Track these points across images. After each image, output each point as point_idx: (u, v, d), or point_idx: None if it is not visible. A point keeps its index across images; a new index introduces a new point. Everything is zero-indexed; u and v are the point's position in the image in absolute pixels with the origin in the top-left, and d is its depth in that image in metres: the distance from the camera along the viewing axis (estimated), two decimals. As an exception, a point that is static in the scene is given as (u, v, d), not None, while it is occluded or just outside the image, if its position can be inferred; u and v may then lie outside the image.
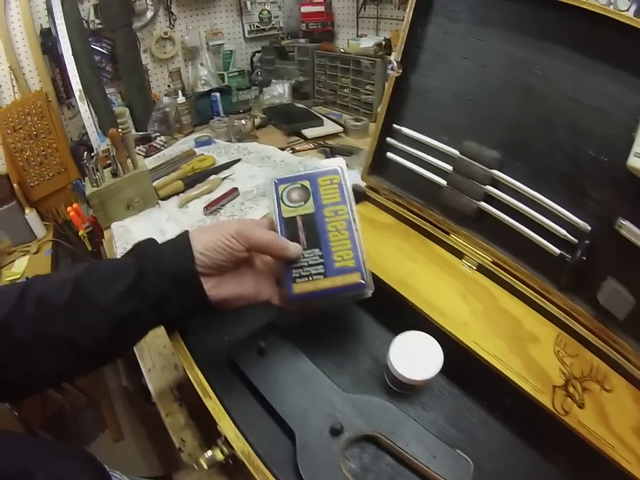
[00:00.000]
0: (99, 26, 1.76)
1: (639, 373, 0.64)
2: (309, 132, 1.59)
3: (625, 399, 0.65)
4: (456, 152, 0.78)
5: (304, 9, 2.01)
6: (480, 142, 0.76)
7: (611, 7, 1.15)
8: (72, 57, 1.62)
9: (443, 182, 0.80)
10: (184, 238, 0.53)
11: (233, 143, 1.53)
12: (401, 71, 0.83)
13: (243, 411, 0.57)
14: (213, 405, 0.52)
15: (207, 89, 1.87)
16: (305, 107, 1.81)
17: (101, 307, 0.48)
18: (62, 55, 1.62)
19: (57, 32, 1.61)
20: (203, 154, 1.42)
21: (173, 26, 1.93)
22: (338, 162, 0.65)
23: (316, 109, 1.86)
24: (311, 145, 1.52)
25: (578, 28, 0.63)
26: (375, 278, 0.70)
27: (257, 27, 2.12)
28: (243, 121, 1.53)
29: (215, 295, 0.53)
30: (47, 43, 1.67)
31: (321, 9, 1.96)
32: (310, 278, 0.56)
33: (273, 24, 2.14)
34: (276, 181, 0.62)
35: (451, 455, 0.55)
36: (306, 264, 0.57)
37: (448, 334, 0.65)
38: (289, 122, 1.64)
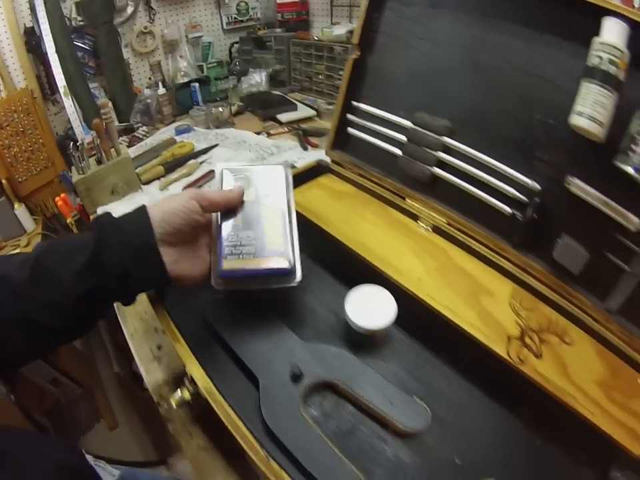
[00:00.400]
0: (81, 23, 1.79)
1: (600, 328, 0.67)
2: (284, 116, 1.65)
3: (587, 353, 0.67)
4: (409, 123, 0.83)
5: (280, 0, 2.06)
6: (432, 113, 0.81)
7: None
8: (56, 54, 1.66)
9: (399, 152, 0.85)
10: (142, 209, 0.54)
11: (211, 130, 1.59)
12: (359, 53, 0.88)
13: (212, 361, 0.60)
14: (182, 349, 0.57)
15: (186, 80, 1.92)
16: (280, 93, 1.87)
17: (62, 282, 0.47)
18: (46, 53, 1.66)
19: (40, 30, 1.65)
20: (182, 141, 1.48)
21: (153, 20, 1.96)
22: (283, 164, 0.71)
23: (292, 95, 1.91)
24: (285, 128, 1.59)
25: (525, 3, 0.68)
26: (334, 240, 0.76)
27: (235, 18, 2.16)
28: (220, 109, 1.59)
29: (172, 270, 0.53)
30: (31, 41, 1.69)
31: (293, -2, 2.01)
32: (240, 256, 0.59)
33: (251, 15, 2.17)
34: (224, 170, 0.67)
35: (408, 402, 0.58)
36: (239, 243, 0.60)
37: (402, 288, 0.68)
38: (264, 108, 1.69)
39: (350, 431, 0.58)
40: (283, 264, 0.60)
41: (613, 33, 0.63)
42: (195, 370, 0.55)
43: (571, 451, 0.60)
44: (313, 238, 0.77)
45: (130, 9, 1.89)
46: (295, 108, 1.71)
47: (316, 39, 1.88)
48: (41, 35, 1.65)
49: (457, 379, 0.66)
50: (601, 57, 0.62)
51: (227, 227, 0.61)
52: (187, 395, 0.59)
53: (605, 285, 0.66)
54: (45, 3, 1.64)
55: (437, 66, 0.80)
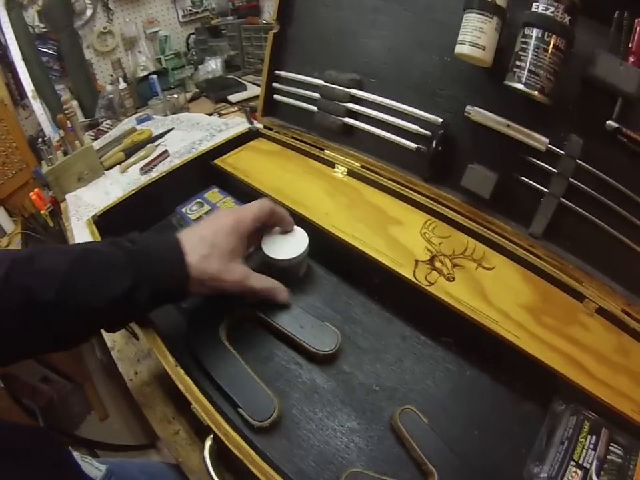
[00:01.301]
0: (44, 29, 1.90)
1: (525, 253, 0.69)
2: (234, 97, 1.77)
3: (511, 277, 0.68)
4: (321, 82, 0.92)
5: None
6: (341, 70, 0.90)
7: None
8: (22, 61, 1.77)
9: (315, 108, 0.95)
10: (175, 247, 0.54)
11: (169, 116, 1.68)
12: (279, 27, 0.98)
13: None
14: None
15: (146, 73, 2.01)
16: (234, 77, 1.96)
17: (91, 308, 0.47)
18: (13, 61, 1.77)
19: (5, 41, 1.76)
20: (142, 129, 1.58)
21: (112, 20, 2.06)
22: None
23: (245, 77, 2.00)
24: (235, 107, 1.70)
25: None
26: (257, 191, 0.85)
27: (190, 10, 2.24)
28: (176, 96, 1.70)
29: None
30: (-2, 52, 1.77)
31: (242, -14, 2.10)
32: None
33: (205, 6, 2.25)
34: (178, 210, 0.89)
35: (317, 326, 0.63)
36: None
37: (310, 222, 0.74)
38: (216, 91, 1.81)
39: (268, 357, 0.64)
40: None
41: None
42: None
43: (509, 382, 0.62)
44: (241, 192, 0.89)
45: (89, 12, 1.99)
46: (244, 88, 1.82)
47: (264, 22, 1.98)
48: (7, 44, 1.76)
49: (375, 308, 0.71)
50: (477, -13, 0.65)
51: None
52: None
53: (526, 210, 0.70)
54: (8, 15, 1.74)
55: (342, 27, 0.89)
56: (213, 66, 1.97)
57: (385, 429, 0.57)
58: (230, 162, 0.95)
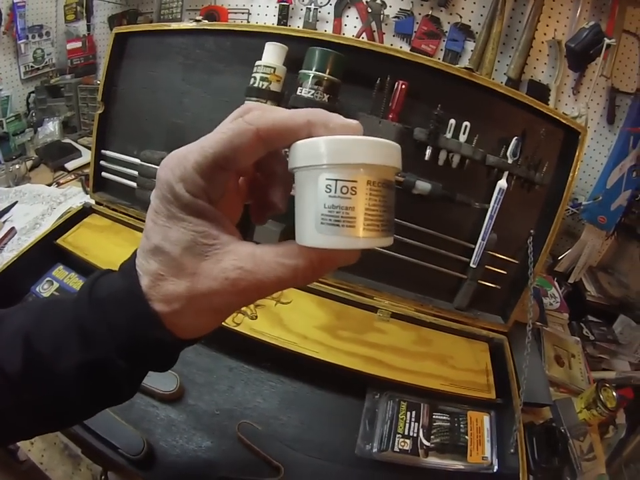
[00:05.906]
0: None
1: (316, 284, 0.86)
2: (70, 165, 1.86)
3: (306, 306, 0.89)
4: (138, 160, 1.12)
5: (69, 46, 2.20)
6: (154, 148, 1.10)
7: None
8: None
9: (135, 185, 1.14)
10: (129, 275, 0.39)
11: (11, 188, 1.74)
12: (103, 107, 1.16)
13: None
14: None
15: None
16: (70, 141, 2.02)
17: (61, 376, 0.39)
18: None
19: None
20: (-12, 203, 1.67)
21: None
22: None
23: (82, 140, 2.05)
24: (72, 175, 1.81)
25: (214, 43, 1.00)
26: (92, 265, 1.02)
27: (32, 67, 2.20)
28: (17, 166, 1.77)
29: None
30: None
31: (79, 44, 2.19)
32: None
33: (46, 62, 2.24)
34: (32, 289, 0.98)
35: (161, 373, 0.80)
36: None
37: None
38: (53, 158, 1.88)
39: (129, 405, 0.78)
40: None
41: (268, 54, 0.88)
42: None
43: (326, 386, 0.82)
44: (82, 267, 1.05)
45: None
46: (79, 155, 1.90)
47: (98, 83, 1.99)
48: None
49: (203, 350, 0.90)
50: (255, 77, 0.87)
51: None
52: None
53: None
54: None
55: (156, 108, 1.11)
56: (51, 128, 2.02)
57: (233, 442, 0.76)
58: (70, 240, 1.11)
